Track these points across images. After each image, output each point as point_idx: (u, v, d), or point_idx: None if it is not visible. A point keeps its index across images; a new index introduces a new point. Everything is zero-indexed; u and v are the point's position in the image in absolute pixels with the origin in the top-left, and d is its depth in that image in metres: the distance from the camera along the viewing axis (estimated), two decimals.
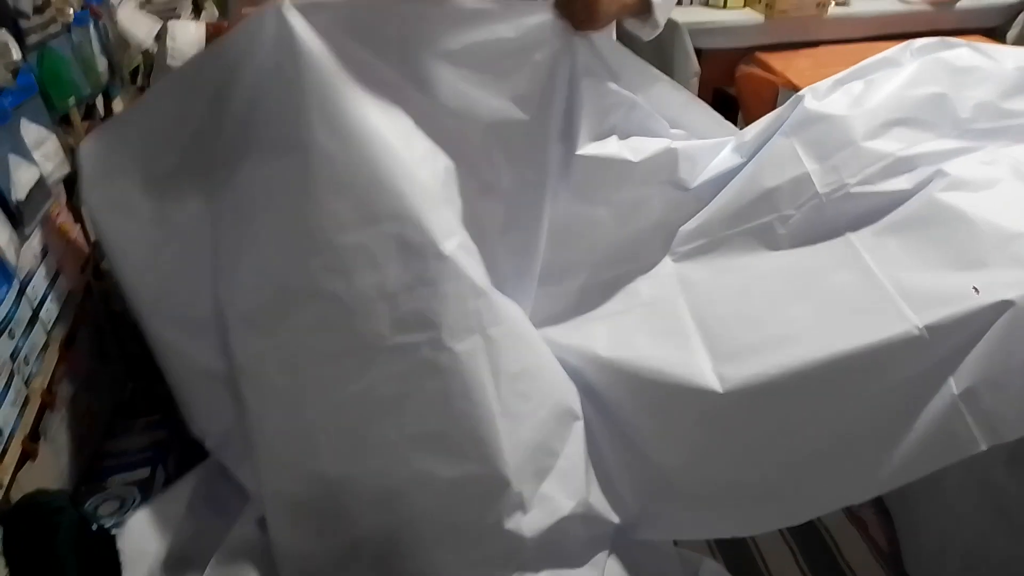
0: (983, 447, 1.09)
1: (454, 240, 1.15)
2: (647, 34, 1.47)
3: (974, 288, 1.09)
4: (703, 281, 1.33)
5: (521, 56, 1.26)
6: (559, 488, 1.16)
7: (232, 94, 1.17)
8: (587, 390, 1.28)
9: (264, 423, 1.15)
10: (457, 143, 1.27)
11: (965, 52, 1.38)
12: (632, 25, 1.46)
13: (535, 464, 1.15)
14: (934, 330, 1.08)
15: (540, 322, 1.33)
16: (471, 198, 1.28)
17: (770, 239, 1.33)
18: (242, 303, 1.16)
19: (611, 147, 1.35)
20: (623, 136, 1.37)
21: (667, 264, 1.39)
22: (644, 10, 1.40)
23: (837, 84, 1.38)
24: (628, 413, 1.25)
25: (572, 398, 1.24)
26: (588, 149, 1.32)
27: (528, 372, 1.18)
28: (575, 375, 1.28)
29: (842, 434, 1.15)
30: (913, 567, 1.54)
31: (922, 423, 1.11)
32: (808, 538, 1.63)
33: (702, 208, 1.39)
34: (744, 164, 1.37)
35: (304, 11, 1.15)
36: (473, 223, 1.26)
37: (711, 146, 1.41)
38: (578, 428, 1.23)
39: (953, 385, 1.09)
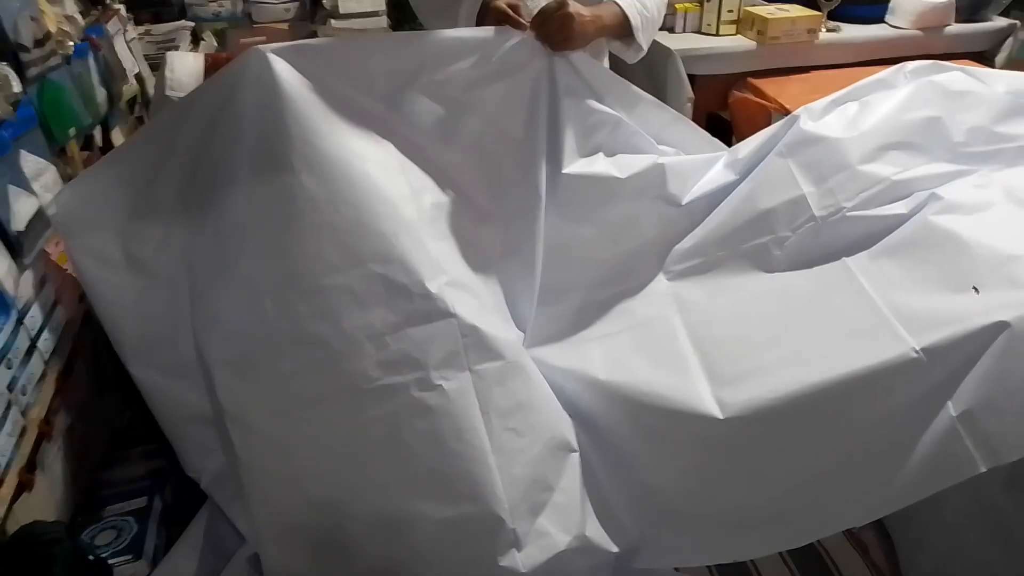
0: (982, 469, 1.09)
1: (442, 279, 1.15)
2: (631, 57, 1.50)
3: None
4: (699, 301, 1.32)
5: (502, 79, 1.28)
6: (555, 523, 1.14)
7: (215, 135, 1.18)
8: (585, 415, 1.27)
9: (252, 467, 1.14)
10: (450, 175, 1.28)
11: (958, 76, 1.40)
12: (616, 48, 1.49)
13: (530, 500, 1.13)
14: (931, 352, 1.09)
15: (536, 343, 1.32)
16: (467, 229, 1.28)
17: (765, 261, 1.34)
18: (225, 349, 1.16)
19: (598, 165, 1.35)
20: (609, 154, 1.38)
21: (662, 282, 1.38)
22: (625, 33, 1.42)
23: (832, 105, 1.40)
24: (626, 438, 1.24)
25: (567, 429, 1.22)
26: (575, 168, 1.33)
27: (521, 407, 1.17)
28: (572, 399, 1.27)
29: (842, 457, 1.15)
30: None
31: (921, 446, 1.11)
32: (808, 561, 1.62)
33: (695, 226, 1.39)
34: (738, 181, 1.38)
35: (287, 53, 1.17)
36: (471, 254, 1.26)
37: (701, 162, 1.42)
38: (573, 460, 1.20)
39: (951, 407, 1.09)
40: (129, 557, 1.14)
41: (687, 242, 1.39)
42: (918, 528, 1.53)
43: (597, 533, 1.19)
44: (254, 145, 1.15)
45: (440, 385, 1.11)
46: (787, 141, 1.35)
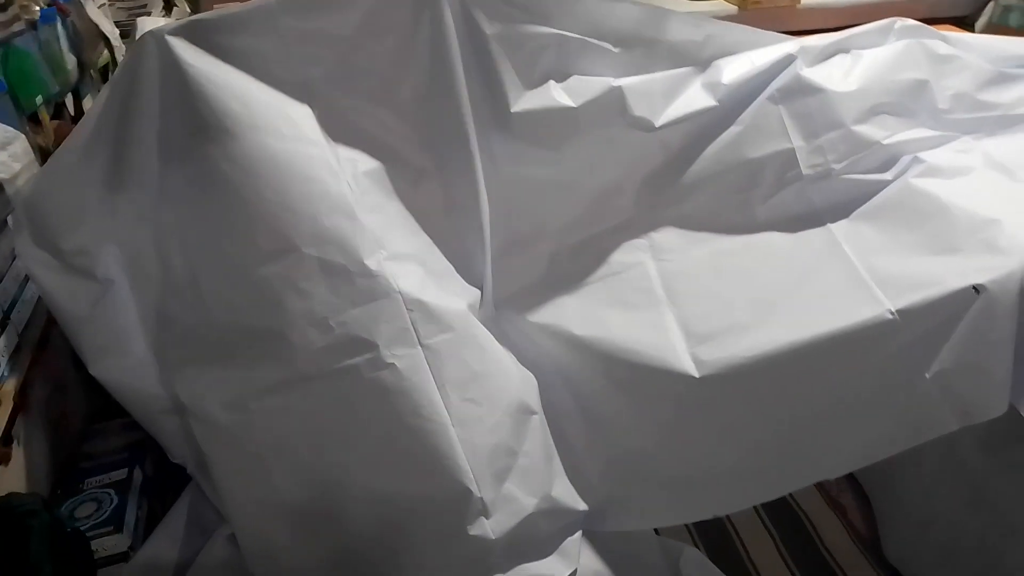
0: (954, 427, 1.12)
1: (381, 253, 1.10)
2: None
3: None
4: (675, 249, 1.30)
5: (388, 24, 1.18)
6: (521, 486, 1.13)
7: (128, 133, 1.12)
8: (557, 372, 1.25)
9: (215, 460, 1.13)
10: (378, 137, 1.22)
11: (940, 43, 1.39)
12: None
13: (494, 467, 1.11)
14: (906, 314, 1.10)
15: (509, 296, 1.29)
16: (405, 192, 1.23)
17: (746, 214, 1.32)
18: (182, 348, 1.14)
19: (546, 96, 1.25)
20: (561, 79, 1.27)
21: (636, 226, 1.33)
22: None
23: (830, 48, 1.35)
24: (599, 395, 1.23)
25: (526, 392, 1.20)
26: (523, 103, 1.24)
27: (477, 376, 1.14)
28: (544, 356, 1.26)
29: (817, 413, 1.16)
30: (892, 551, 1.56)
31: (896, 403, 1.14)
32: (788, 524, 1.65)
33: (671, 156, 1.32)
34: (718, 109, 1.30)
35: (185, 30, 1.10)
36: (411, 218, 1.22)
37: (671, 79, 1.31)
38: (535, 423, 1.19)
39: (927, 368, 1.11)
40: (110, 529, 1.13)
41: (665, 180, 1.33)
42: (895, 490, 1.56)
43: (564, 492, 1.19)
44: (166, 138, 1.11)
45: (392, 363, 1.07)
46: (781, 85, 1.30)
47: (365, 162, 1.20)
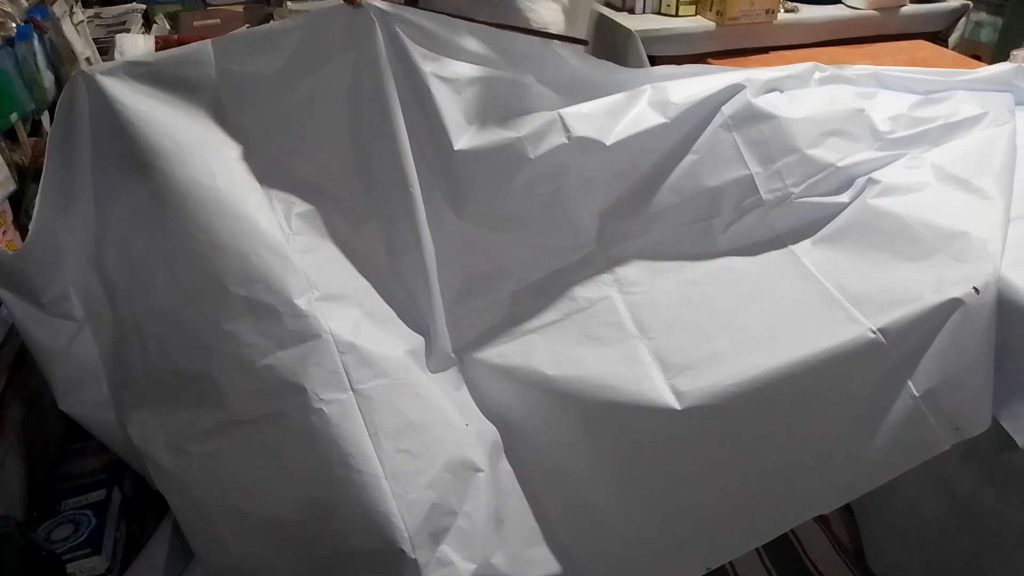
0: (947, 446, 1.11)
1: (312, 293, 1.07)
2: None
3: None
4: (640, 282, 1.28)
5: (314, 61, 1.18)
6: (458, 550, 1.04)
7: (71, 174, 1.11)
8: (526, 417, 1.20)
9: (169, 501, 1.10)
10: (315, 179, 1.20)
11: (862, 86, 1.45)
12: None
13: (431, 526, 1.03)
14: (888, 332, 1.09)
15: (472, 341, 1.25)
16: (344, 234, 1.20)
17: (708, 241, 1.31)
18: (129, 388, 1.13)
19: (489, 132, 1.23)
20: (502, 114, 1.25)
21: (599, 258, 1.31)
22: None
23: (766, 85, 1.38)
24: (574, 441, 1.16)
25: (473, 447, 1.13)
26: (465, 141, 1.21)
27: (413, 427, 1.08)
28: (513, 402, 1.21)
29: (806, 443, 1.12)
30: (876, 563, 1.56)
31: (886, 426, 1.11)
32: None
33: (627, 189, 1.32)
34: (668, 127, 1.29)
35: (118, 70, 1.10)
36: (349, 261, 1.19)
37: (615, 103, 1.30)
38: (480, 481, 1.10)
39: (912, 387, 1.10)
40: (87, 551, 1.12)
41: (623, 212, 1.32)
42: (879, 500, 1.56)
43: (509, 560, 1.10)
44: (101, 177, 1.11)
45: (320, 408, 1.03)
46: (732, 113, 1.31)
47: (300, 203, 1.18)
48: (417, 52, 1.20)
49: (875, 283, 1.16)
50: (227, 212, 1.08)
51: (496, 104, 1.26)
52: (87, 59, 1.79)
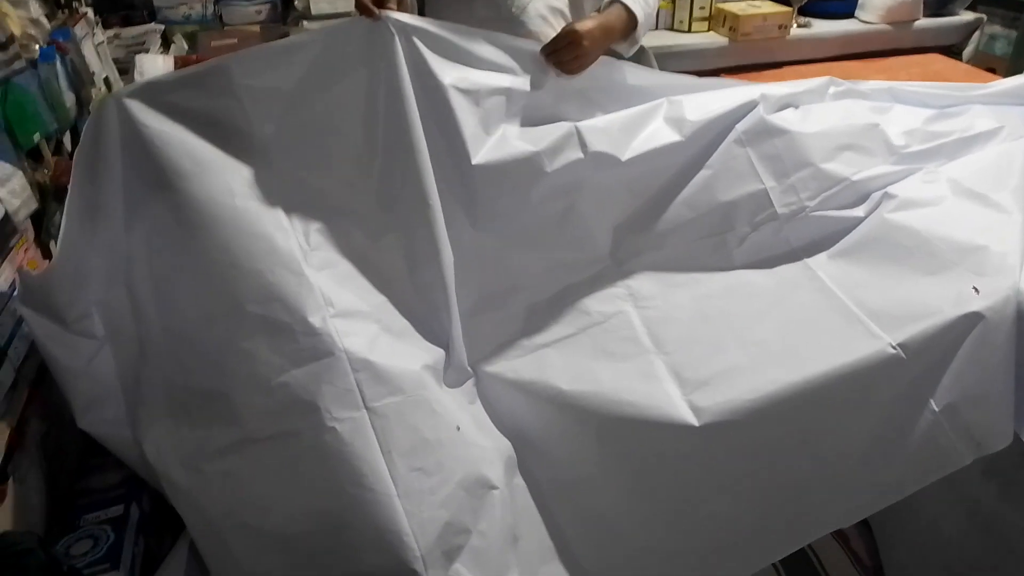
0: (968, 461, 1.10)
1: (327, 311, 1.08)
2: (626, 51, 1.42)
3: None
4: (655, 296, 1.28)
5: (332, 74, 1.18)
6: (472, 569, 1.03)
7: (98, 195, 1.13)
8: (542, 433, 1.19)
9: (184, 519, 1.10)
10: (334, 194, 1.20)
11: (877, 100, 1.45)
12: (614, 43, 1.40)
13: (444, 544, 1.02)
14: (908, 347, 1.08)
15: (487, 355, 1.25)
16: (364, 249, 1.20)
17: (722, 255, 1.31)
18: (146, 405, 1.14)
19: (507, 145, 1.23)
20: (520, 128, 1.27)
21: (613, 273, 1.31)
22: (631, 30, 1.36)
23: (781, 100, 1.39)
24: (591, 458, 1.16)
25: (488, 463, 1.12)
26: (484, 155, 1.22)
27: (428, 444, 1.07)
28: (528, 417, 1.20)
29: (824, 459, 1.11)
30: None
31: (906, 441, 1.10)
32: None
33: (641, 203, 1.33)
34: (683, 144, 1.31)
35: (141, 92, 1.12)
36: (368, 275, 1.19)
37: (631, 117, 1.32)
38: (495, 498, 1.09)
39: (933, 402, 1.10)
40: (106, 566, 1.11)
41: (638, 226, 1.33)
42: (897, 516, 1.55)
43: None
44: (129, 197, 1.13)
45: (333, 427, 1.02)
46: (746, 129, 1.32)
47: (318, 218, 1.19)
48: (436, 63, 1.20)
49: (893, 297, 1.15)
50: (244, 231, 1.10)
51: (514, 114, 1.27)
52: (106, 79, 1.83)
